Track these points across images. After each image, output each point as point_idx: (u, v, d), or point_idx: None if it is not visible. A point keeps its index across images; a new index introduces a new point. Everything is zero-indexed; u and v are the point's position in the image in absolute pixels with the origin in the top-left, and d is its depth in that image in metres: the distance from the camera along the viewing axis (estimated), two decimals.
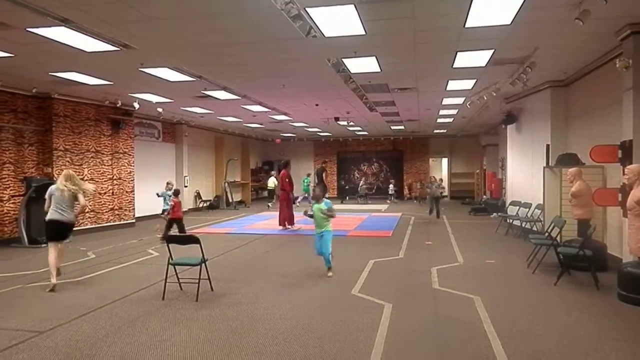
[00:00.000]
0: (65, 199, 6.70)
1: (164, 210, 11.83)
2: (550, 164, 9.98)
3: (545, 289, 6.45)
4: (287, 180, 13.13)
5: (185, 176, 18.01)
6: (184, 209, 12.59)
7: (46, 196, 6.83)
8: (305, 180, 22.50)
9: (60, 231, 6.76)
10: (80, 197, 6.79)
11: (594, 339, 4.57)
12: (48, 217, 6.70)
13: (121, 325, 5.03)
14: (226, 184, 20.64)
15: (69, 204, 6.75)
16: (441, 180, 21.63)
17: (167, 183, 12.36)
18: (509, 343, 4.39)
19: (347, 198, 24.42)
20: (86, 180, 11.95)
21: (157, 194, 12.14)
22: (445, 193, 20.89)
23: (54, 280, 6.52)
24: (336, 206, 18.70)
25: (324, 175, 19.30)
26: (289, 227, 12.77)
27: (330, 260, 7.38)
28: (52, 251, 6.63)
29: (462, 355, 4.18)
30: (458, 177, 25.11)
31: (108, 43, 7.04)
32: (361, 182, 24.76)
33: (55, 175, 11.42)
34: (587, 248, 6.58)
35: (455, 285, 6.56)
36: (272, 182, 20.45)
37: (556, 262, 7.29)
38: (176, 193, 11.11)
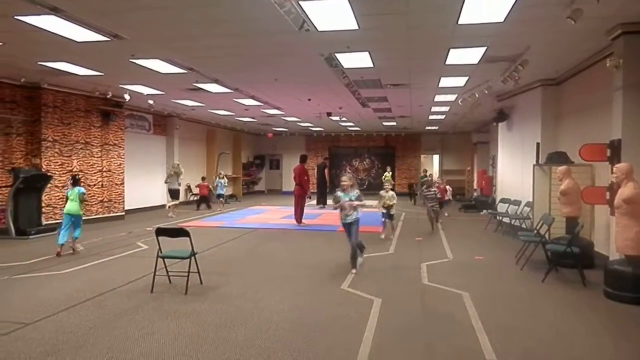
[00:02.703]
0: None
1: (218, 195, 16.70)
2: (540, 162, 10.05)
3: (533, 285, 6.51)
4: (305, 177, 13.00)
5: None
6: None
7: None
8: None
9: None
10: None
11: (579, 334, 4.63)
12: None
13: (109, 318, 5.00)
14: (217, 177, 20.52)
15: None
16: (428, 175, 19.37)
17: (219, 173, 17.39)
18: (496, 338, 4.43)
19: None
20: (75, 171, 12.15)
21: (214, 184, 16.92)
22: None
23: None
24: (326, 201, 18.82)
25: (325, 171, 19.08)
26: (299, 224, 12.61)
27: None
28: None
29: (450, 350, 4.21)
30: (449, 174, 25.20)
31: (99, 33, 6.95)
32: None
33: (44, 166, 11.34)
34: (575, 245, 6.66)
35: (444, 281, 6.60)
36: (387, 176, 22.87)
37: (544, 259, 7.35)
38: (202, 179, 17.82)
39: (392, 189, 10.94)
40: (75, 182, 8.69)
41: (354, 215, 7.33)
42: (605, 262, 6.42)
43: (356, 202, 7.25)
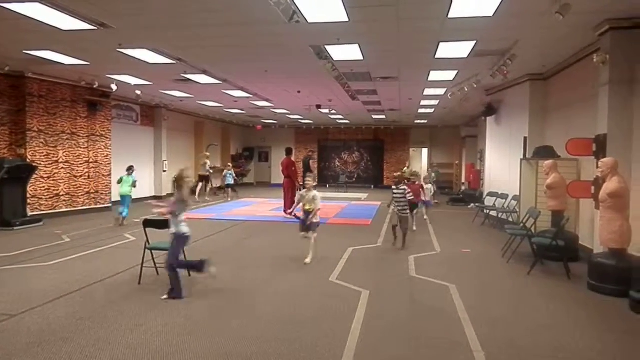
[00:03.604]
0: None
1: (227, 185, 18.18)
2: (527, 156, 10.14)
3: (519, 278, 6.60)
4: (293, 169, 13.02)
5: (164, 161, 17.75)
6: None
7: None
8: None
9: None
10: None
11: (564, 326, 4.71)
12: None
13: (96, 309, 4.97)
14: (225, 169, 20.48)
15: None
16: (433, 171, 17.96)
17: (228, 165, 19.26)
18: (482, 329, 4.49)
19: (327, 186, 24.46)
20: (61, 162, 12.15)
21: (224, 175, 18.42)
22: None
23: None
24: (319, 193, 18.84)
25: (310, 163, 19.06)
26: (287, 215, 12.57)
27: None
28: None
29: (436, 342, 4.26)
30: (438, 168, 25.30)
31: (85, 21, 6.83)
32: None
33: (29, 157, 11.17)
34: (560, 239, 6.75)
35: (431, 274, 6.65)
36: (407, 171, 22.07)
37: (530, 252, 7.45)
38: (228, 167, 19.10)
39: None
40: (130, 170, 10.97)
41: (172, 227, 5.48)
42: (589, 255, 6.52)
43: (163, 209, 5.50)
